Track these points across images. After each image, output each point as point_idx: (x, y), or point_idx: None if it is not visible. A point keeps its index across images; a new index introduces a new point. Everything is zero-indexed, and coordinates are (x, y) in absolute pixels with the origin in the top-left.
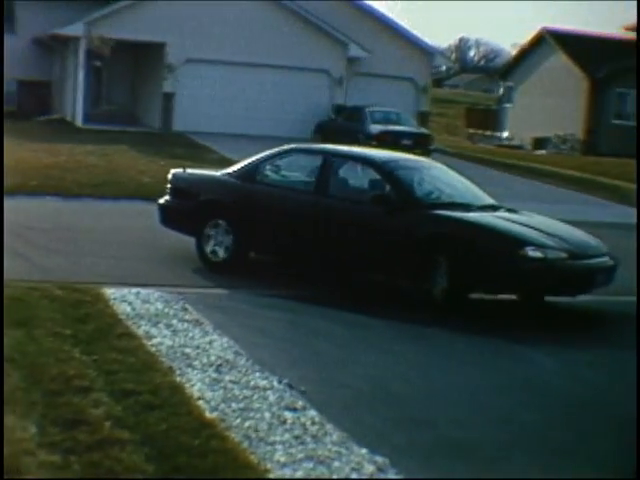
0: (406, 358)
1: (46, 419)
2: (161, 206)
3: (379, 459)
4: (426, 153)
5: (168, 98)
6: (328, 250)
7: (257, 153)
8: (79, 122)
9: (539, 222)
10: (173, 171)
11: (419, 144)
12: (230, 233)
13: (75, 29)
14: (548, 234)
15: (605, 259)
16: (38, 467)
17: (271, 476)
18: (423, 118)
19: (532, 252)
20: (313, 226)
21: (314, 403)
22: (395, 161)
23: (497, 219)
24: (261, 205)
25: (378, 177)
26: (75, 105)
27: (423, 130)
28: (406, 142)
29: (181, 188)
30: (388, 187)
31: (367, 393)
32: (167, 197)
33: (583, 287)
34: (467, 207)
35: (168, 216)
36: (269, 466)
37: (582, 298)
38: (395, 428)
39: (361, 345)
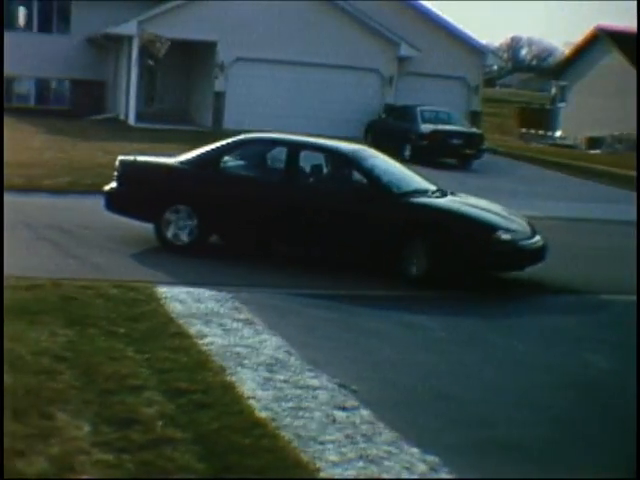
0: (457, 358)
1: (100, 418)
2: (110, 193)
3: (430, 458)
4: (477, 153)
5: (219, 97)
6: (300, 235)
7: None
8: (132, 121)
9: (485, 205)
10: (121, 159)
11: (470, 144)
12: (194, 218)
13: (128, 28)
14: (505, 217)
15: (539, 237)
16: (92, 466)
17: (322, 475)
18: (474, 118)
19: (503, 235)
20: (282, 213)
21: (365, 402)
22: (357, 151)
23: (464, 205)
24: (229, 192)
25: (344, 166)
26: (128, 104)
27: (474, 130)
28: (457, 142)
29: (134, 176)
30: (357, 176)
31: (419, 392)
32: (116, 184)
33: (534, 262)
34: (424, 193)
35: (118, 203)
36: (320, 465)
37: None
38: (447, 427)
39: (413, 344)
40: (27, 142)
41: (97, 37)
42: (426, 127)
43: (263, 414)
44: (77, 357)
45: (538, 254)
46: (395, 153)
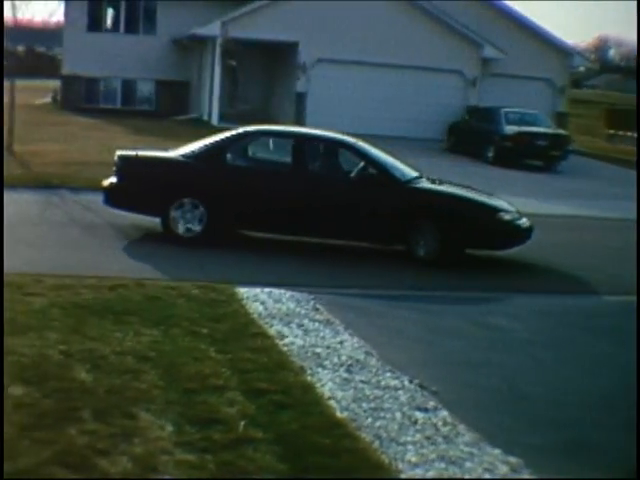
0: (537, 358)
1: (182, 417)
2: (111, 188)
3: (513, 459)
4: (563, 154)
5: (300, 98)
6: (314, 223)
7: (390, 154)
8: (215, 121)
9: (469, 189)
10: (121, 154)
11: (556, 145)
12: (202, 211)
13: (212, 29)
14: (498, 200)
15: (526, 219)
16: (174, 466)
17: (403, 476)
18: (560, 119)
19: (505, 216)
20: (294, 202)
21: (446, 403)
22: (357, 141)
23: (464, 190)
24: (240, 184)
25: (349, 155)
26: (211, 104)
27: (560, 131)
28: (542, 143)
29: (137, 170)
30: (363, 164)
31: (500, 393)
32: (116, 179)
33: (527, 239)
34: (420, 179)
35: (121, 198)
36: (401, 466)
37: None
38: (529, 428)
39: (493, 345)
40: (117, 142)
41: (182, 38)
42: (510, 129)
43: (343, 415)
44: (161, 357)
45: (529, 232)
46: (478, 155)
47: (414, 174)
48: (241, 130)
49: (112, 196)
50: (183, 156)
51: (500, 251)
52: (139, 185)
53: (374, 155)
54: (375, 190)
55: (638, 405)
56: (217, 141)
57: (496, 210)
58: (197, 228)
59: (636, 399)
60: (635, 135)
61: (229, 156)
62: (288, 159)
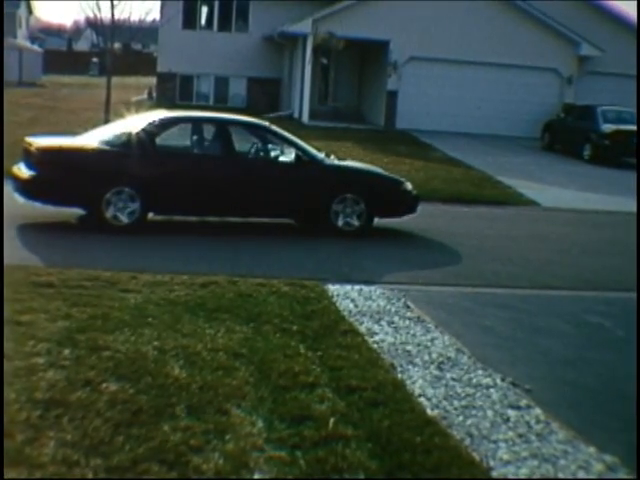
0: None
1: (273, 414)
2: (31, 181)
3: (608, 458)
4: None
5: (391, 96)
6: (245, 203)
7: (482, 152)
8: (305, 119)
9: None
10: (39, 145)
11: None
12: (136, 199)
13: (303, 27)
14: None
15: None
16: (266, 462)
17: (494, 474)
18: None
19: (407, 186)
20: (227, 186)
21: (539, 401)
22: (271, 125)
23: (370, 166)
24: (172, 170)
25: (269, 138)
26: (302, 102)
27: None
28: None
29: (59, 161)
30: (283, 145)
31: (595, 391)
32: (37, 171)
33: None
34: (329, 158)
35: (45, 190)
36: (492, 464)
37: None
38: (625, 427)
39: (585, 342)
40: None
41: (273, 36)
42: (608, 126)
43: (433, 412)
44: (252, 354)
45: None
46: (574, 153)
47: (323, 153)
48: (160, 117)
49: (33, 189)
50: (105, 144)
51: (400, 217)
52: (67, 177)
53: (291, 137)
54: (301, 170)
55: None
56: (140, 128)
57: (400, 182)
58: (130, 217)
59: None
60: None
61: (156, 143)
62: (213, 145)
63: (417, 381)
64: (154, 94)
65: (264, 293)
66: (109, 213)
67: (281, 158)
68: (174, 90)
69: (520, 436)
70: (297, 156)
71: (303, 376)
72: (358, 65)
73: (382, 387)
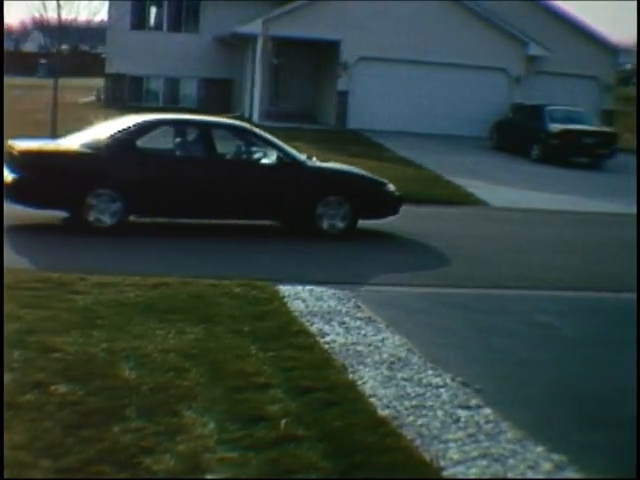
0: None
1: (226, 415)
2: (14, 184)
3: (556, 457)
4: (610, 152)
5: (342, 96)
6: (229, 205)
7: (432, 152)
8: (256, 119)
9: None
10: (21, 149)
11: (602, 143)
12: (118, 201)
13: (254, 27)
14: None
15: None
16: (218, 463)
17: (445, 474)
18: (607, 117)
19: (390, 188)
20: (210, 188)
21: (489, 401)
22: (253, 127)
23: (352, 168)
24: (154, 172)
25: (252, 139)
26: (253, 103)
27: (606, 129)
28: (588, 141)
29: (45, 164)
30: (266, 147)
31: (544, 391)
32: (20, 174)
33: (399, 209)
34: (311, 160)
35: (28, 194)
36: (443, 464)
37: None
38: (574, 426)
39: (536, 341)
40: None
41: (225, 36)
42: (555, 126)
43: (385, 412)
44: (204, 355)
45: (401, 202)
46: (523, 152)
47: (304, 155)
48: (142, 119)
49: (16, 192)
50: (87, 147)
51: (384, 219)
52: (49, 179)
53: (273, 139)
54: (284, 172)
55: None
56: (121, 131)
57: (383, 183)
58: (112, 219)
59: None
60: None
61: (138, 145)
62: (195, 147)
63: (368, 381)
64: (102, 95)
65: (216, 294)
66: (91, 215)
67: (263, 160)
68: (123, 91)
69: (470, 436)
70: (279, 158)
71: (255, 377)
72: (310, 65)
73: (334, 388)
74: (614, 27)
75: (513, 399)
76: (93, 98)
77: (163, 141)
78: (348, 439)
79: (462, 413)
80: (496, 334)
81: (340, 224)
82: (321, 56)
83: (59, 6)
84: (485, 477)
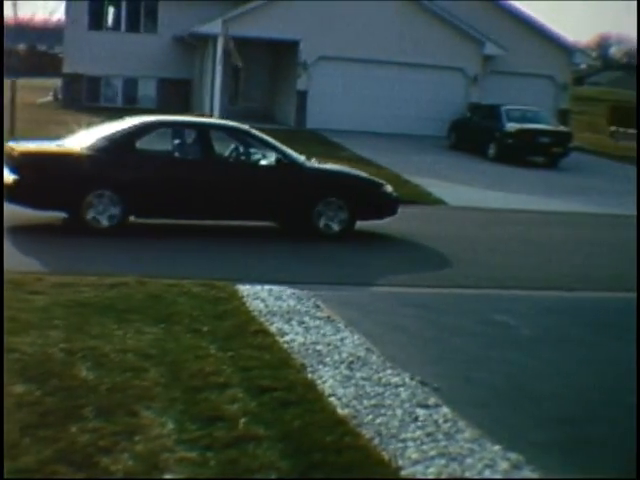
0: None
1: (184, 415)
2: (15, 185)
3: (513, 456)
4: (565, 151)
5: (301, 96)
6: (234, 207)
7: (390, 151)
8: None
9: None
10: (21, 150)
11: (557, 142)
12: (117, 202)
13: (213, 27)
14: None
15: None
16: (176, 463)
17: (403, 473)
18: (563, 116)
19: (388, 189)
20: (210, 189)
21: (447, 400)
22: (251, 129)
23: (350, 169)
24: (153, 173)
25: (250, 141)
26: (212, 102)
27: (561, 128)
28: (544, 140)
29: (44, 166)
30: (263, 149)
31: (502, 390)
32: (20, 175)
33: (397, 210)
34: (309, 161)
35: (28, 195)
36: (401, 463)
37: None
38: (531, 425)
39: (493, 341)
40: None
41: (184, 36)
42: (512, 126)
43: (344, 411)
44: (163, 355)
45: (399, 203)
46: (480, 152)
47: (303, 157)
48: (141, 121)
49: (16, 193)
50: (86, 148)
51: (381, 220)
52: (49, 180)
53: (272, 141)
54: (283, 173)
55: (638, 404)
56: (121, 132)
57: (381, 184)
58: (111, 220)
59: (636, 399)
60: (635, 131)
61: (137, 147)
62: (194, 148)
63: (328, 381)
64: (60, 96)
65: (174, 294)
66: (90, 216)
67: (262, 161)
68: (81, 92)
69: (428, 435)
70: (278, 159)
71: (214, 377)
72: (269, 65)
73: (293, 387)
74: (569, 27)
75: (470, 398)
76: (50, 98)
77: (161, 142)
78: (307, 438)
79: (420, 412)
80: (455, 333)
81: (338, 225)
82: (281, 56)
83: (15, 5)
84: (443, 477)
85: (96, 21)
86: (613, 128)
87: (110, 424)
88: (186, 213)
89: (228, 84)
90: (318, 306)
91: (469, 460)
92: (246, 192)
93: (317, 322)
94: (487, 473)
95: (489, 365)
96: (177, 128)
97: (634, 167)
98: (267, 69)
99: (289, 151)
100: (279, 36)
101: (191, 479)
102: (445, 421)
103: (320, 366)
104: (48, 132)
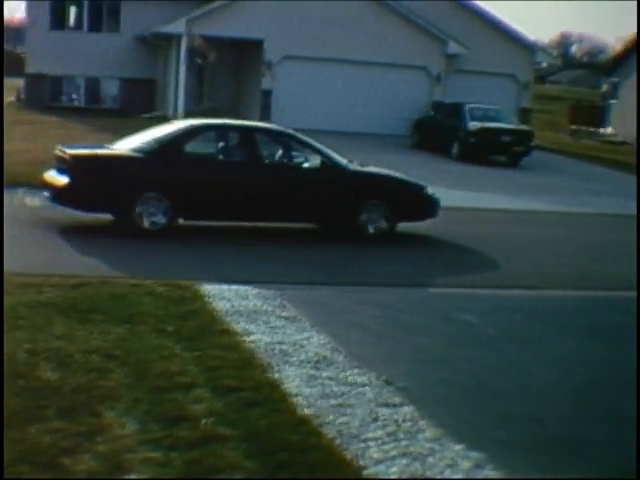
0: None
1: (149, 415)
2: (66, 188)
3: (475, 455)
4: (526, 150)
5: (266, 95)
6: (280, 209)
7: (353, 150)
8: (180, 119)
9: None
10: (73, 152)
11: (519, 141)
12: (167, 204)
13: (177, 27)
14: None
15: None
16: (140, 464)
17: (365, 473)
18: (524, 115)
19: (429, 191)
20: (256, 191)
21: (412, 399)
22: (296, 133)
23: (392, 172)
24: (205, 176)
25: (295, 145)
26: (177, 102)
27: (523, 127)
28: (505, 139)
29: (96, 169)
30: (308, 152)
31: (465, 389)
32: (71, 178)
33: (439, 211)
34: (352, 164)
35: (79, 197)
36: (363, 463)
37: None
38: (492, 424)
39: (457, 339)
40: (82, 140)
41: (146, 36)
42: (474, 124)
43: (310, 411)
44: (127, 355)
45: (439, 204)
46: (443, 151)
47: (346, 160)
48: (190, 124)
49: (67, 196)
50: (137, 151)
51: (423, 221)
52: (101, 183)
53: (316, 144)
54: (327, 176)
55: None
56: (170, 136)
57: (423, 187)
58: (162, 221)
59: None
60: (596, 130)
61: (186, 150)
62: (240, 151)
63: (293, 380)
64: (23, 96)
65: (138, 294)
66: (140, 218)
67: (307, 164)
68: (43, 92)
69: (390, 434)
70: (322, 162)
71: (179, 377)
72: (234, 64)
73: (259, 387)
74: (531, 26)
75: (433, 397)
76: (13, 98)
77: (209, 146)
78: (272, 438)
79: (384, 411)
80: (419, 333)
81: (381, 227)
82: (245, 55)
83: None
84: (405, 476)
85: (58, 21)
86: (574, 127)
87: (74, 424)
88: (233, 215)
89: (192, 84)
90: (284, 306)
91: (431, 459)
92: (291, 195)
93: (283, 322)
94: (448, 473)
95: (454, 363)
96: (224, 131)
97: (595, 166)
98: (232, 69)
99: (333, 154)
100: (243, 35)
101: (155, 479)
102: (408, 420)
103: (286, 366)
104: (6, 133)
